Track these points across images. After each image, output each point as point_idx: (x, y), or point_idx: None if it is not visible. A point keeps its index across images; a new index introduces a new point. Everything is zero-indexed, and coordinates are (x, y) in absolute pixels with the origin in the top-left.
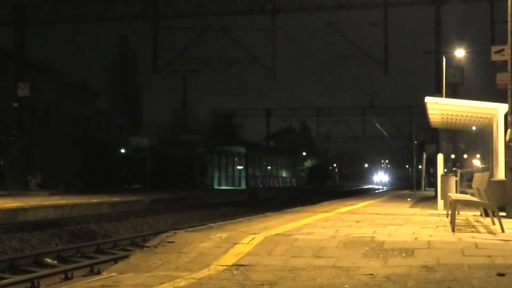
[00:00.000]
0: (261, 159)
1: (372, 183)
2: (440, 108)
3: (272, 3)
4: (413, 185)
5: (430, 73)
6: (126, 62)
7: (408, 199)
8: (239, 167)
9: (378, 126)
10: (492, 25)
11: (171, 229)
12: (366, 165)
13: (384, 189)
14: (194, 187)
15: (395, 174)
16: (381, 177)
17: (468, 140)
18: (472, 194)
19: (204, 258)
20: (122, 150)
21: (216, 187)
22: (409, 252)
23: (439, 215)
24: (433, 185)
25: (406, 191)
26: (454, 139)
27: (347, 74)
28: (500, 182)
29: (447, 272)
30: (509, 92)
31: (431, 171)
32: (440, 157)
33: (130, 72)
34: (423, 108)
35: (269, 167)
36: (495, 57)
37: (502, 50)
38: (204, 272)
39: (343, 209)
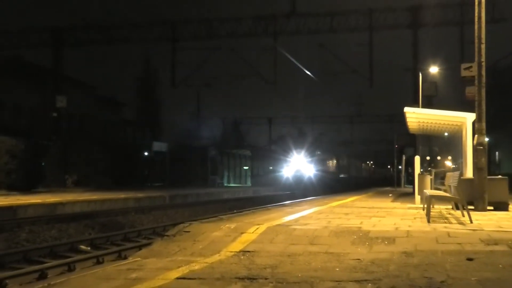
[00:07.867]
0: (263, 160)
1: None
2: (417, 117)
3: (274, 26)
4: (394, 183)
5: (408, 86)
6: (149, 78)
7: (390, 195)
8: (245, 167)
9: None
10: (461, 46)
11: (187, 221)
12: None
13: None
14: (206, 184)
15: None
16: (298, 168)
17: (441, 144)
18: (445, 191)
19: (215, 245)
20: (145, 153)
21: (225, 184)
22: (390, 240)
23: (416, 208)
24: (411, 182)
25: (387, 188)
26: (429, 143)
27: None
28: (469, 180)
29: (424, 257)
30: (476, 103)
31: (410, 171)
32: (417, 159)
33: (152, 86)
34: (403, 116)
35: (271, 167)
36: (464, 73)
37: (470, 67)
38: (215, 257)
39: (334, 203)
